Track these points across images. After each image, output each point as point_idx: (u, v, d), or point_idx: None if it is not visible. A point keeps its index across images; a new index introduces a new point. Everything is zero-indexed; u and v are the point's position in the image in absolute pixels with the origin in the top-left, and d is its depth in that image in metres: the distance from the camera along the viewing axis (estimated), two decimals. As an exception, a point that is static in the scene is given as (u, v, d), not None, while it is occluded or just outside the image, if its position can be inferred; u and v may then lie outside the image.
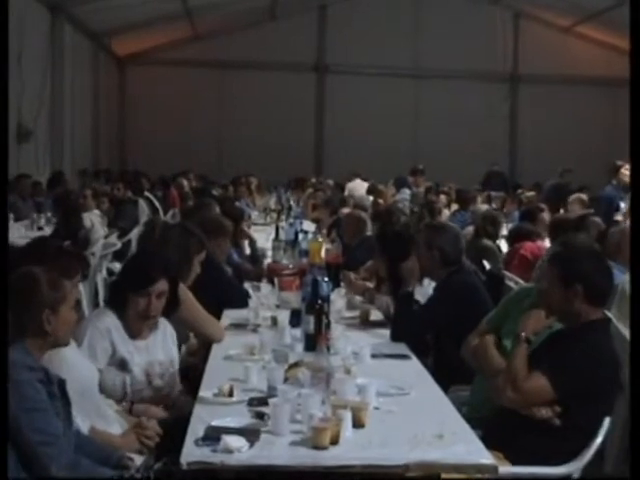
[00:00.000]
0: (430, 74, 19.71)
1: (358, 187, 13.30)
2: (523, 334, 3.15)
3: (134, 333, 3.52)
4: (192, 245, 4.24)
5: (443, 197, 11.99)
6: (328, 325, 3.84)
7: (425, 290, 4.61)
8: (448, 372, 3.86)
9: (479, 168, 17.34)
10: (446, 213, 10.28)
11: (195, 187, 13.21)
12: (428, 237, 4.41)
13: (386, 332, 4.33)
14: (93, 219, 8.57)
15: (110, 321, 3.46)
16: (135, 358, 3.47)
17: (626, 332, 3.52)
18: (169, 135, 18.90)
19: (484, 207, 10.32)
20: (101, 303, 4.17)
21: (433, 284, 4.57)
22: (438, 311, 4.26)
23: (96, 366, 3.26)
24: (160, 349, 3.60)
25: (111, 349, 3.42)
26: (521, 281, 5.76)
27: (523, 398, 3.05)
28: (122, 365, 3.44)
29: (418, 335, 4.29)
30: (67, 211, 8.28)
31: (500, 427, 3.13)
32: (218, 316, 4.47)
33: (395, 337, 4.21)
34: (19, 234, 8.20)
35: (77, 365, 2.95)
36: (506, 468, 2.94)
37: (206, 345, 4.09)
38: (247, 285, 5.44)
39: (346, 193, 12.49)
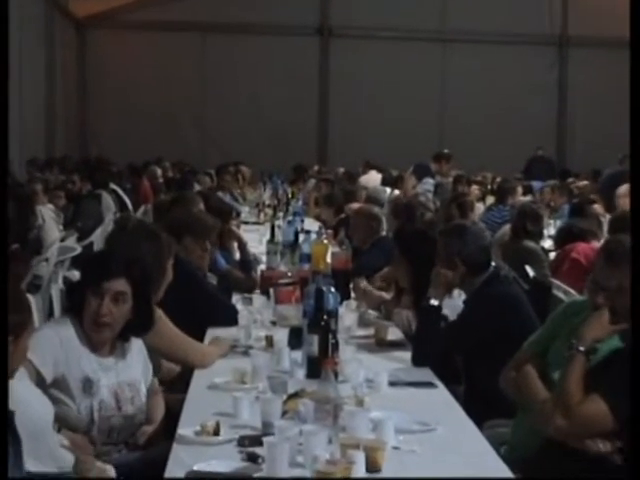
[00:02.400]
0: (460, 37, 19.72)
1: (372, 180, 13.29)
2: (581, 347, 3.13)
3: (96, 346, 3.52)
4: (163, 247, 4.24)
5: (476, 188, 11.97)
6: (336, 346, 3.84)
7: (454, 303, 4.61)
8: (483, 403, 3.85)
9: (520, 152, 17.34)
10: (480, 208, 10.28)
11: (172, 177, 13.24)
12: (445, 244, 4.43)
13: (407, 354, 4.32)
14: (46, 217, 8.57)
15: (66, 332, 3.46)
16: (102, 378, 3.48)
17: None
18: (140, 115, 18.94)
19: (524, 200, 10.31)
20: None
21: (464, 296, 4.58)
22: (470, 329, 4.26)
23: (44, 372, 3.26)
24: (129, 368, 3.62)
25: (65, 364, 3.40)
26: (572, 291, 5.75)
27: (576, 426, 3.05)
28: (87, 386, 3.43)
29: (446, 358, 4.28)
30: (15, 208, 8.28)
31: (546, 467, 3.12)
32: (200, 338, 4.47)
33: (418, 360, 4.22)
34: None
35: (28, 401, 2.94)
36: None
37: (186, 372, 4.09)
38: (236, 298, 5.44)
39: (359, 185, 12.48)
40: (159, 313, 3.98)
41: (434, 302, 4.37)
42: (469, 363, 4.36)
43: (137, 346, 3.69)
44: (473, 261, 4.37)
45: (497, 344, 3.89)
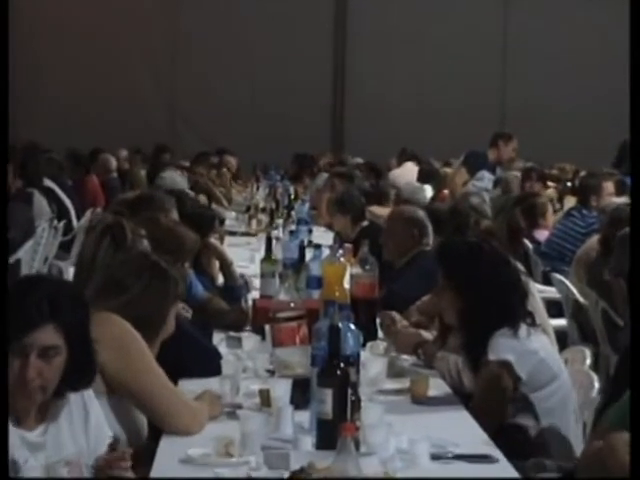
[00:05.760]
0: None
1: (406, 174, 13.29)
2: None
3: (20, 417, 3.49)
4: (170, 288, 4.34)
5: (551, 185, 11.94)
6: (357, 405, 3.84)
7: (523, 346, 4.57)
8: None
9: (611, 137, 17.27)
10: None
11: (129, 170, 13.25)
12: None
13: (455, 416, 4.35)
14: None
15: None
16: (29, 459, 3.45)
17: None
18: (89, 87, 19.01)
19: (618, 202, 10.27)
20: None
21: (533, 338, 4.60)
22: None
23: None
24: (65, 437, 3.58)
25: None
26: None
27: None
28: (12, 470, 3.39)
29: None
30: None
31: None
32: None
33: None
34: None
35: None
36: None
37: (152, 437, 4.11)
38: (219, 337, 5.46)
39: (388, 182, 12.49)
40: (145, 349, 4.09)
41: None
42: None
43: (77, 399, 3.64)
44: None
45: None
